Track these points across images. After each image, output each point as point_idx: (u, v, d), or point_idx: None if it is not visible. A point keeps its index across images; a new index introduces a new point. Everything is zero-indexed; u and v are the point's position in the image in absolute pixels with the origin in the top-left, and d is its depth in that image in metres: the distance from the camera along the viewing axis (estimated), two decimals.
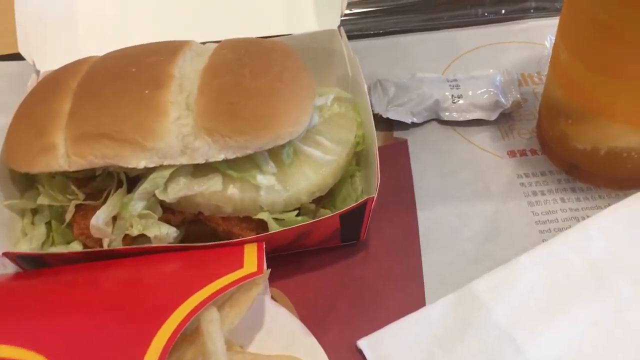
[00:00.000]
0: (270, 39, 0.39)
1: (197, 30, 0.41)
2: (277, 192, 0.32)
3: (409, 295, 0.34)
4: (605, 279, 0.33)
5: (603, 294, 0.33)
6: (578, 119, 0.36)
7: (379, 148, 0.42)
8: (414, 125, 0.43)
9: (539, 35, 0.50)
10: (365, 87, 0.37)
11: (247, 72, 0.31)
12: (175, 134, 0.31)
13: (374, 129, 0.35)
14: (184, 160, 0.31)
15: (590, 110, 0.35)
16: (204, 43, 0.37)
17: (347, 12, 0.52)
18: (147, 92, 0.31)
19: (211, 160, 0.31)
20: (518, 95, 0.44)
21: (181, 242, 0.34)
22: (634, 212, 0.35)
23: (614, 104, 0.34)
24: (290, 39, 0.41)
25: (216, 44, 0.36)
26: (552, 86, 0.38)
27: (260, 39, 0.36)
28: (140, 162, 0.31)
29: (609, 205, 0.36)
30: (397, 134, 0.43)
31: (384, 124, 0.43)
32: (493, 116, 0.43)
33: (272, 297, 0.33)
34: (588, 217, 0.36)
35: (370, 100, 0.44)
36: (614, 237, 0.35)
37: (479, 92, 0.44)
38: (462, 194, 0.39)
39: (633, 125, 0.34)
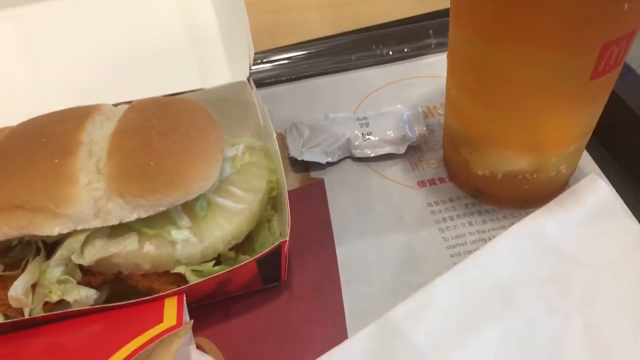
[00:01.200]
0: (181, 95, 0.41)
1: (111, 90, 0.42)
2: (193, 244, 0.33)
3: (333, 331, 0.36)
4: (513, 295, 0.36)
5: (512, 309, 0.35)
6: (474, 147, 0.39)
7: (297, 189, 0.44)
8: (329, 164, 0.45)
9: (441, 69, 0.52)
10: (275, 135, 0.39)
11: (155, 133, 0.33)
12: (87, 199, 0.32)
13: (284, 174, 0.36)
14: (98, 223, 0.32)
15: (483, 139, 0.38)
16: (116, 105, 0.38)
17: (262, 61, 0.54)
18: (56, 160, 0.32)
19: (125, 220, 0.32)
20: (424, 128, 0.46)
21: (106, 301, 0.34)
22: (533, 230, 0.38)
23: (501, 133, 0.36)
24: (202, 94, 0.43)
25: (127, 105, 0.37)
26: (449, 118, 0.41)
27: (169, 97, 0.38)
28: (54, 229, 0.31)
29: (512, 224, 0.39)
30: (314, 174, 0.45)
31: (301, 165, 0.45)
32: (402, 149, 0.45)
33: (199, 347, 0.34)
34: (494, 237, 0.39)
35: (287, 144, 0.46)
36: (518, 255, 0.37)
37: (388, 127, 0.46)
38: (378, 227, 0.41)
39: (521, 150, 0.37)
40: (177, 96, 0.40)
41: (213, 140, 0.34)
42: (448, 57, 0.38)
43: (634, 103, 0.44)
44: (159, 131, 0.33)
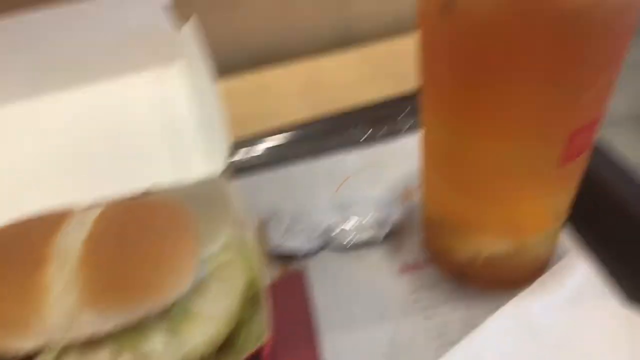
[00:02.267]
0: (155, 194, 0.40)
1: (83, 187, 0.42)
2: (170, 354, 0.32)
3: None
4: None
5: None
6: (452, 232, 0.39)
7: (277, 283, 0.43)
8: (309, 254, 0.45)
9: (416, 150, 0.53)
10: (252, 228, 0.39)
11: (128, 240, 0.32)
12: (58, 312, 0.31)
13: (263, 269, 0.36)
14: (70, 336, 0.31)
15: (460, 225, 0.38)
16: (89, 206, 0.38)
17: (239, 150, 0.55)
18: (26, 273, 0.31)
19: (99, 332, 0.31)
20: (403, 211, 0.46)
21: None
22: (517, 314, 0.38)
23: (478, 219, 0.36)
24: (178, 189, 0.42)
25: (100, 208, 0.37)
26: (425, 203, 0.41)
27: (143, 198, 0.38)
28: (25, 345, 0.30)
29: (497, 307, 0.38)
30: (294, 265, 0.45)
31: (281, 257, 0.45)
32: (382, 235, 0.45)
33: None
34: (479, 323, 0.38)
35: (266, 235, 0.46)
36: (504, 342, 0.37)
37: (367, 213, 0.46)
38: (361, 318, 0.40)
39: (499, 235, 0.37)
40: (151, 196, 0.40)
41: (188, 243, 0.34)
42: (421, 142, 0.39)
43: (607, 179, 0.44)
44: (132, 238, 0.33)
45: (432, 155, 0.37)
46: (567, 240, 0.43)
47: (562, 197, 0.37)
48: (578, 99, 0.30)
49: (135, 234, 0.33)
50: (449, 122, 0.33)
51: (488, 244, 0.37)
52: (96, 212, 0.37)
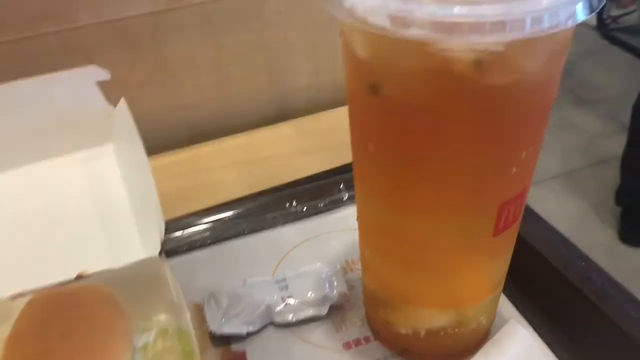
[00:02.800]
0: (85, 281, 0.39)
1: (9, 276, 0.40)
2: None
3: None
4: None
5: None
6: (392, 307, 0.39)
7: None
8: (250, 334, 0.44)
9: (354, 222, 0.53)
10: (189, 313, 0.37)
11: (55, 334, 0.31)
12: None
13: (201, 356, 0.35)
14: None
15: (399, 299, 0.38)
16: (14, 297, 0.36)
17: (175, 228, 0.53)
18: None
19: None
20: (344, 285, 0.46)
21: None
22: None
23: (416, 293, 0.37)
24: (111, 274, 0.41)
25: (25, 300, 0.35)
26: (365, 276, 0.41)
27: (71, 287, 0.36)
28: None
29: None
30: (235, 347, 0.43)
31: (221, 339, 0.43)
32: (324, 310, 0.44)
33: None
34: None
35: (205, 317, 0.44)
36: None
37: (308, 288, 0.46)
38: None
39: (438, 308, 0.37)
40: (81, 283, 0.38)
41: (119, 334, 0.32)
42: (357, 217, 0.39)
43: (539, 244, 0.45)
44: (59, 332, 0.31)
45: (366, 229, 0.37)
46: (505, 307, 0.44)
47: (499, 265, 0.37)
48: (504, 172, 0.31)
49: (63, 326, 0.31)
50: (380, 197, 0.33)
51: (428, 317, 0.37)
52: (20, 304, 0.35)
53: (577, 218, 1.70)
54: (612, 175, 1.73)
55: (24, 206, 0.49)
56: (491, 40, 0.25)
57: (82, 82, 0.49)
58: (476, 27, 0.25)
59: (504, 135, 0.30)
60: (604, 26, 2.47)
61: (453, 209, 0.31)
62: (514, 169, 0.31)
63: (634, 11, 2.44)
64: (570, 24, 0.26)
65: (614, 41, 2.45)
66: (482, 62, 0.27)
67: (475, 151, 0.29)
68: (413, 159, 0.30)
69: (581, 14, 0.27)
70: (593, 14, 0.27)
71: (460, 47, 0.26)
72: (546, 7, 0.25)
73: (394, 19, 0.26)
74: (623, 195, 1.68)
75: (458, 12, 0.25)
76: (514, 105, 0.29)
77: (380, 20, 0.26)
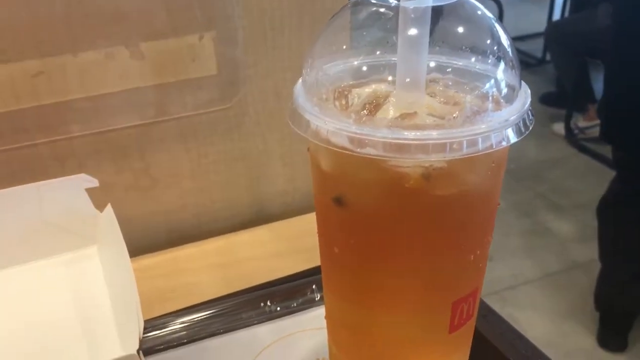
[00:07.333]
0: None
1: None
2: None
3: None
4: None
5: None
6: None
7: None
8: None
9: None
10: None
11: None
12: None
13: None
14: None
15: None
16: None
17: (153, 328, 0.55)
18: None
19: None
20: None
21: None
22: None
23: None
24: None
25: None
26: None
27: None
28: None
29: None
30: None
31: None
32: None
33: None
34: None
35: None
36: None
37: None
38: None
39: None
40: None
41: None
42: (325, 315, 0.42)
43: (498, 342, 0.48)
44: None
45: (333, 326, 0.40)
46: None
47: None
48: (456, 273, 0.34)
49: None
50: (344, 295, 0.36)
51: None
52: None
53: (556, 323, 1.70)
54: (588, 280, 1.74)
55: (7, 308, 0.51)
56: (435, 159, 0.30)
57: (72, 189, 0.52)
58: (421, 147, 0.29)
59: (453, 239, 0.33)
60: (573, 136, 2.59)
61: (410, 306, 0.34)
62: (465, 270, 0.35)
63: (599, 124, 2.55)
64: (503, 145, 0.31)
65: (583, 149, 2.55)
66: (430, 176, 0.31)
67: (428, 254, 0.33)
68: (372, 261, 0.33)
69: (512, 137, 0.31)
70: (522, 136, 0.32)
71: (409, 163, 0.30)
72: (481, 132, 0.30)
73: (352, 140, 0.30)
74: (601, 301, 1.67)
75: (406, 135, 0.29)
76: (461, 211, 0.33)
77: (341, 141, 0.31)
